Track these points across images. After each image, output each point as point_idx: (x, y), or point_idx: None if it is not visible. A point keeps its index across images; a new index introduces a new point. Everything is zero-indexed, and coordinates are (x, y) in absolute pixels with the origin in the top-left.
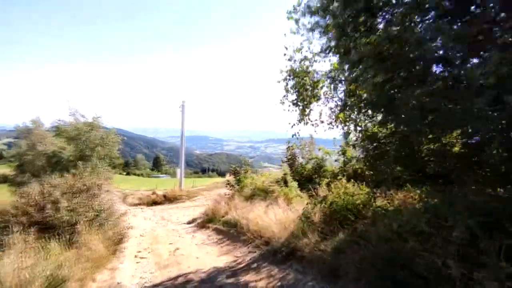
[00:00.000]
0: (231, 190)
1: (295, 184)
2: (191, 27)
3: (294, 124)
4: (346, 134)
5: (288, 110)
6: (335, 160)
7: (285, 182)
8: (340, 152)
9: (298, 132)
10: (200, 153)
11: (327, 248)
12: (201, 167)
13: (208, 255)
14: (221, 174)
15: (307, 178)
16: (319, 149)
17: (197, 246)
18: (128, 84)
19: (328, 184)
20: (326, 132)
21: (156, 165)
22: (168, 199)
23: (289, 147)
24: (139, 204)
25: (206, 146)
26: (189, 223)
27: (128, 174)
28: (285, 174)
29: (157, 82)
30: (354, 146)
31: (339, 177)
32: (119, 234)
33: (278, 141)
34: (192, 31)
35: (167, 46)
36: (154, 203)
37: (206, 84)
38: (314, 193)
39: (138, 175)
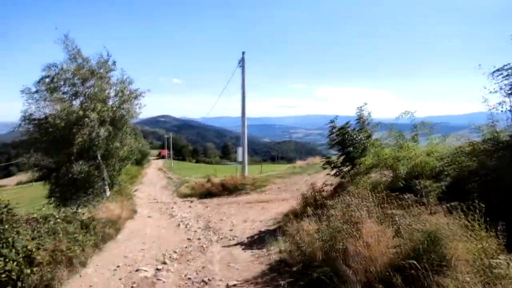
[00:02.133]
0: (336, 177)
1: None
2: None
3: None
4: None
5: None
6: None
7: None
8: None
9: None
10: (268, 141)
11: None
12: (269, 155)
13: None
14: (290, 161)
15: None
16: None
17: None
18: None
19: None
20: None
21: (225, 153)
22: (226, 189)
23: None
24: (191, 196)
25: (274, 134)
26: (250, 244)
27: (197, 162)
28: None
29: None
30: None
31: None
32: None
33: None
34: None
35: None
36: (209, 194)
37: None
38: None
39: (208, 162)
